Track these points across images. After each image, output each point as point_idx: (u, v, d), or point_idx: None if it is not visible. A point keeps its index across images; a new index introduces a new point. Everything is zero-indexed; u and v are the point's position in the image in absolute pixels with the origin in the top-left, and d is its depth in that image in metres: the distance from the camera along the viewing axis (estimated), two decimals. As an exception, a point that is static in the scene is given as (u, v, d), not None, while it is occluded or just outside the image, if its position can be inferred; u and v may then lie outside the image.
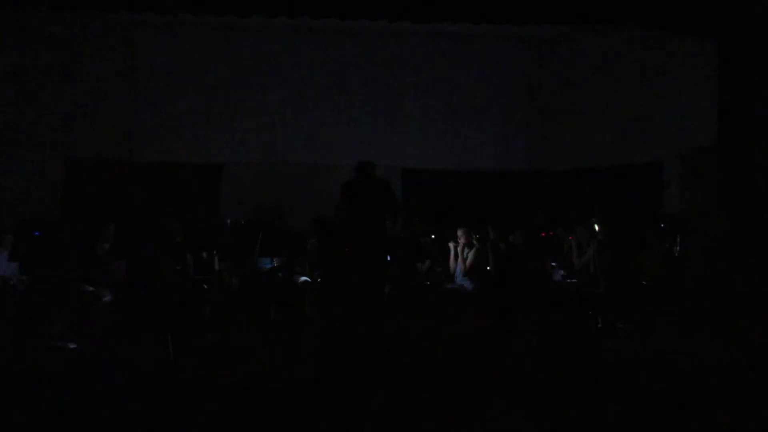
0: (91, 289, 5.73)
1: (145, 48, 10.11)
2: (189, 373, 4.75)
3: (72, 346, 5.41)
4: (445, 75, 10.47)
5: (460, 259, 6.56)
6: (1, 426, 3.65)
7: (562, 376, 4.63)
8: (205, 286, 5.98)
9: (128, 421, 3.72)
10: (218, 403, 4.10)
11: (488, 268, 6.71)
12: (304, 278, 6.47)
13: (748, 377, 4.68)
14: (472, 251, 6.54)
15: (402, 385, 4.38)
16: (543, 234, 7.58)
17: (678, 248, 6.70)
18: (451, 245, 6.66)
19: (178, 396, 4.22)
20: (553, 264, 7.03)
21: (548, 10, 6.49)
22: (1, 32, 8.84)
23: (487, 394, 3.66)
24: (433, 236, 7.27)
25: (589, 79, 10.12)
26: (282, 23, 7.36)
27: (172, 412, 3.90)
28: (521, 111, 10.74)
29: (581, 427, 3.64)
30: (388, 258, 6.53)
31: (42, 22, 8.87)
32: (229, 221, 7.42)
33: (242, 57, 10.17)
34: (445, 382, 4.40)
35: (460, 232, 6.60)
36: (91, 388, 4.21)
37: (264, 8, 6.41)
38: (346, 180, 6.03)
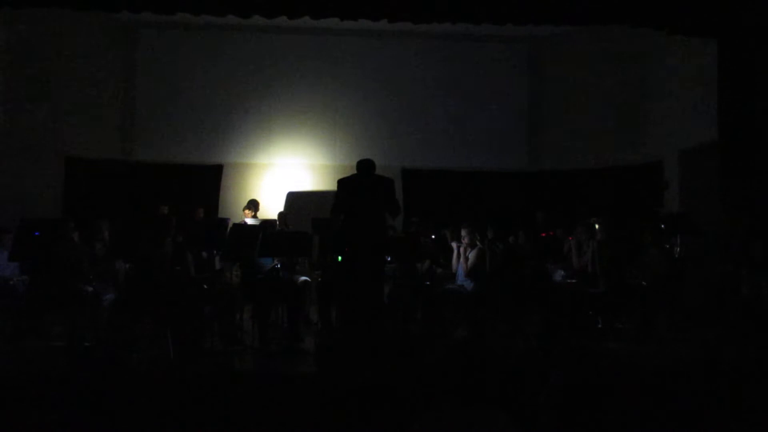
0: (91, 289, 5.72)
1: (145, 48, 10.12)
2: (189, 373, 4.74)
3: (74, 345, 5.41)
4: (445, 75, 10.48)
5: (462, 259, 6.53)
6: (2, 426, 3.65)
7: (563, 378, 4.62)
8: (205, 286, 5.97)
9: (128, 421, 3.73)
10: (218, 403, 4.10)
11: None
12: (304, 278, 6.46)
13: (748, 377, 4.68)
14: (474, 251, 6.52)
15: (400, 385, 4.38)
16: (543, 234, 7.57)
17: (678, 248, 6.69)
18: (455, 245, 6.64)
19: (178, 396, 4.22)
20: (553, 264, 7.02)
21: (548, 10, 6.49)
22: (0, 32, 8.84)
23: (485, 396, 3.66)
24: (433, 236, 7.25)
25: (588, 79, 10.12)
26: (282, 23, 7.36)
27: (172, 412, 3.90)
28: (521, 111, 10.74)
29: (580, 428, 3.63)
30: (388, 258, 6.52)
31: (42, 22, 8.87)
32: (229, 221, 7.41)
33: (242, 57, 10.18)
34: (443, 384, 4.40)
35: (463, 232, 6.57)
36: (91, 388, 4.21)
37: (264, 8, 6.41)
38: (344, 176, 5.89)
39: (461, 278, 6.56)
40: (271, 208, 9.40)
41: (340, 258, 6.08)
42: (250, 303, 6.16)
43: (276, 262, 6.28)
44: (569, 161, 10.19)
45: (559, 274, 6.88)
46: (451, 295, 6.41)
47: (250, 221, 7.67)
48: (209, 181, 9.90)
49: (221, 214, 9.31)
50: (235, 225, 6.93)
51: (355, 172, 5.82)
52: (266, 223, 7.33)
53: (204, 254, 6.46)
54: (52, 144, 9.23)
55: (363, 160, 5.81)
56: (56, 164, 9.29)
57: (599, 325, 6.18)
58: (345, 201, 5.68)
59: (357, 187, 5.72)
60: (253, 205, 7.94)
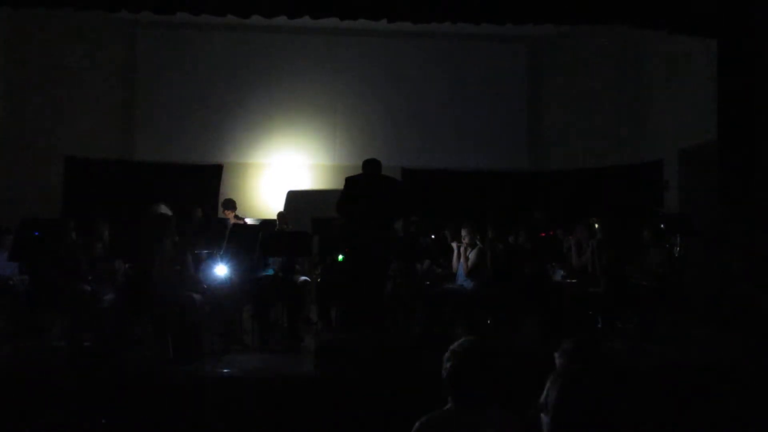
0: (89, 288, 5.72)
1: (145, 47, 10.12)
2: (189, 373, 4.74)
3: (74, 345, 5.41)
4: (444, 75, 10.47)
5: (462, 259, 6.53)
6: (2, 426, 3.65)
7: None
8: (205, 286, 5.97)
9: (128, 421, 3.73)
10: (218, 403, 4.10)
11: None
12: (303, 278, 6.46)
13: (748, 377, 4.68)
14: (474, 251, 6.51)
15: (400, 385, 4.38)
16: (543, 234, 7.56)
17: (678, 248, 6.69)
18: (455, 245, 6.64)
19: (178, 396, 4.21)
20: (553, 264, 7.01)
21: (548, 10, 6.48)
22: (0, 32, 8.84)
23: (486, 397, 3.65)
24: (432, 236, 7.26)
25: (588, 79, 10.11)
26: (282, 23, 7.35)
27: (171, 412, 3.90)
28: (521, 111, 10.73)
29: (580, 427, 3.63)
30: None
31: (41, 22, 8.86)
32: (229, 221, 7.42)
33: (242, 56, 10.17)
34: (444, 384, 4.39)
35: (464, 232, 6.56)
36: (91, 388, 4.21)
37: (264, 8, 6.41)
38: (351, 175, 5.85)
39: (461, 278, 6.55)
40: (271, 208, 9.40)
41: (341, 257, 6.08)
42: (250, 303, 6.16)
43: (273, 263, 6.28)
44: (569, 161, 10.18)
45: (559, 274, 6.88)
46: (451, 295, 6.41)
47: (249, 221, 7.67)
48: (209, 181, 9.89)
49: (221, 214, 9.30)
50: (234, 225, 6.94)
51: (358, 171, 5.80)
52: (266, 223, 7.34)
53: (204, 254, 6.46)
54: (52, 144, 9.23)
55: (370, 160, 5.78)
56: (56, 164, 9.28)
57: (599, 325, 6.18)
58: (352, 199, 5.64)
59: (365, 187, 5.69)
60: (231, 203, 7.86)
